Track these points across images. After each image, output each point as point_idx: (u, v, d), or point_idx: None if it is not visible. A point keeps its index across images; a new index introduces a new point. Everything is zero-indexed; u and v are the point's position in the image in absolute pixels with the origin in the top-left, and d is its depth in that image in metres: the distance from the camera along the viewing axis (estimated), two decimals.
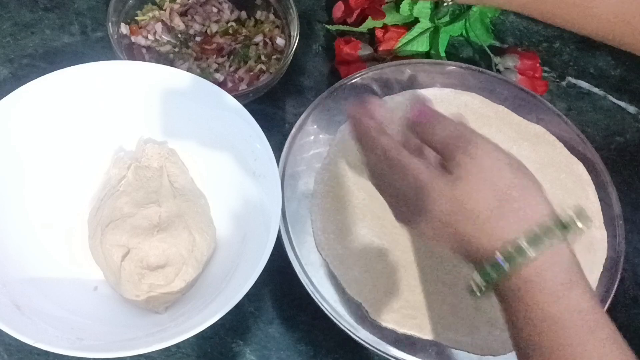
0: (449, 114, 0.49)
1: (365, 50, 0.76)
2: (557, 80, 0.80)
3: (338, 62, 0.75)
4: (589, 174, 0.69)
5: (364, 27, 0.77)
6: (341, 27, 0.78)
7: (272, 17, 0.75)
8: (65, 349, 0.50)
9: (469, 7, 0.77)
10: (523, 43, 0.82)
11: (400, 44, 0.76)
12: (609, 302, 0.62)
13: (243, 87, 0.71)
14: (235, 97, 0.62)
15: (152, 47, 0.73)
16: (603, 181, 0.69)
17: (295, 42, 0.70)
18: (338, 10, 0.79)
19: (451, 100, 0.71)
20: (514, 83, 0.74)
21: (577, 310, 0.41)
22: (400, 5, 0.75)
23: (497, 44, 0.81)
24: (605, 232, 0.66)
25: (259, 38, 0.75)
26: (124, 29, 0.72)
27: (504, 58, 0.78)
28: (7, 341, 0.58)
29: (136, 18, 0.74)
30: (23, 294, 0.55)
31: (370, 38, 0.78)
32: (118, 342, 0.54)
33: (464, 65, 0.74)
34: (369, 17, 0.76)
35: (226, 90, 0.62)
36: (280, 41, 0.74)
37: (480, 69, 0.74)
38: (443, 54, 0.77)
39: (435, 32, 0.76)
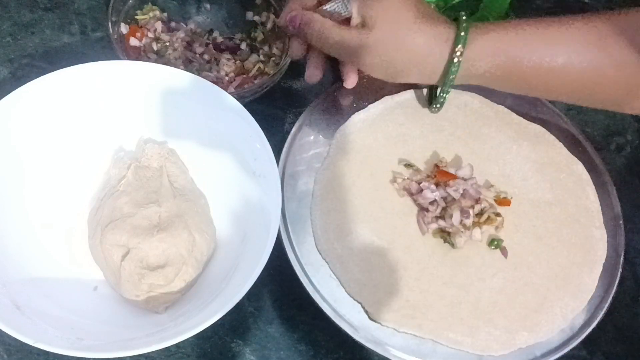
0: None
1: None
2: None
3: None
4: (589, 174, 0.69)
5: None
6: None
7: (272, 17, 0.75)
8: (65, 349, 0.50)
9: (473, 12, 0.77)
10: None
11: None
12: (609, 302, 0.62)
13: (242, 87, 0.71)
14: (235, 97, 0.62)
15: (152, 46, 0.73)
16: (603, 181, 0.69)
17: None
18: None
19: (451, 100, 0.71)
20: None
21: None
22: None
23: None
24: (605, 232, 0.66)
25: (259, 39, 0.75)
26: (124, 28, 0.72)
27: None
28: (7, 341, 0.58)
29: (136, 17, 0.74)
30: (23, 294, 0.55)
31: None
32: (118, 342, 0.54)
33: None
34: None
35: (225, 91, 0.63)
36: (279, 41, 0.74)
37: None
38: None
39: None
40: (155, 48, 0.72)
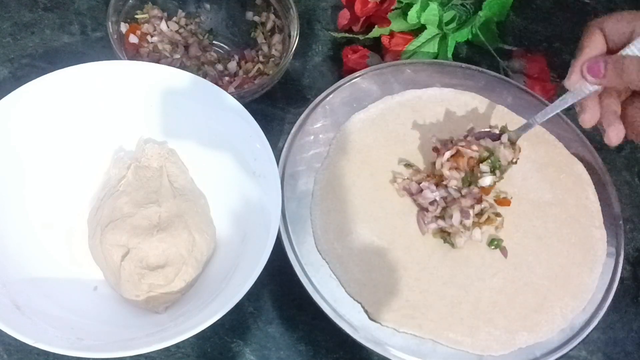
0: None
1: (373, 59, 0.75)
2: (557, 80, 0.79)
3: (346, 71, 0.75)
4: (589, 174, 0.69)
5: (370, 35, 0.77)
6: (347, 35, 0.78)
7: (272, 17, 0.75)
8: (65, 349, 0.50)
9: (476, 12, 0.77)
10: (523, 43, 0.82)
11: (407, 50, 0.76)
12: (609, 302, 0.62)
13: (242, 87, 0.71)
14: (235, 97, 0.62)
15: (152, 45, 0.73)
16: (603, 181, 0.69)
17: (294, 42, 0.70)
18: (343, 17, 0.78)
19: (451, 100, 0.71)
20: (513, 83, 0.74)
21: None
22: (408, 13, 0.75)
23: (505, 46, 0.81)
24: (605, 232, 0.66)
25: (259, 39, 0.75)
26: (123, 28, 0.72)
27: (511, 61, 0.78)
28: (7, 341, 0.58)
29: (136, 17, 0.74)
30: (23, 294, 0.55)
31: (376, 43, 0.78)
32: (118, 342, 0.54)
33: (464, 65, 0.74)
34: (376, 25, 0.76)
35: (225, 90, 0.63)
36: (279, 42, 0.74)
37: (480, 69, 0.74)
38: (450, 59, 0.76)
39: (443, 38, 0.76)
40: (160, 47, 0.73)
